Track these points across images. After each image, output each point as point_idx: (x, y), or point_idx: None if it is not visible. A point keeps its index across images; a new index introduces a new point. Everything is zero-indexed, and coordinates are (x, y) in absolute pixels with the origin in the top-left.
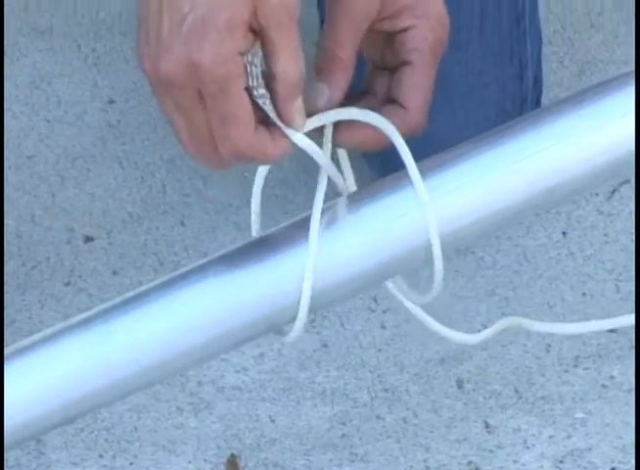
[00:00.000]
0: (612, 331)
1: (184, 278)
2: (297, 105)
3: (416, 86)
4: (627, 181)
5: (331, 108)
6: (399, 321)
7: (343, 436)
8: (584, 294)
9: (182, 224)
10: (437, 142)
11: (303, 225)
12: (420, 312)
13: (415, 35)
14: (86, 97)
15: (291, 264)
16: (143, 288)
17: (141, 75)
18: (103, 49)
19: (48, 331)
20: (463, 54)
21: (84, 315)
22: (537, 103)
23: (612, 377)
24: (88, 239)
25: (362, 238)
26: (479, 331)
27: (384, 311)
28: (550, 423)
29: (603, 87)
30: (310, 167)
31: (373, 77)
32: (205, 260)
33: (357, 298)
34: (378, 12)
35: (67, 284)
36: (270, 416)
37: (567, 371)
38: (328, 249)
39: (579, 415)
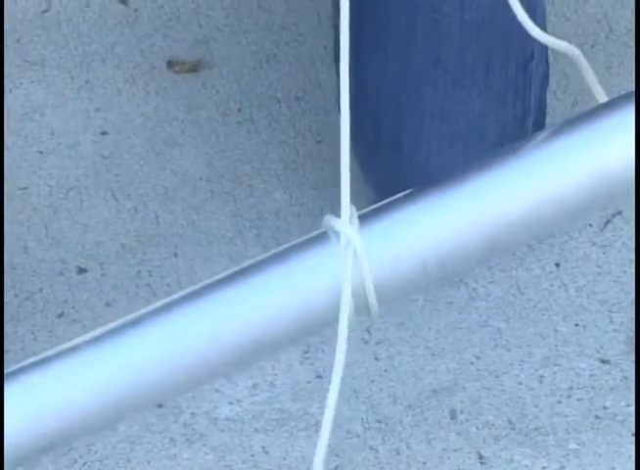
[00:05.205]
0: (604, 362)
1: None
2: None
3: None
4: (620, 212)
5: None
6: (393, 353)
7: (337, 467)
8: (577, 325)
9: (175, 255)
10: (434, 175)
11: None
12: None
13: None
14: (79, 128)
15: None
16: (139, 312)
17: (133, 106)
18: (95, 80)
19: (44, 354)
20: (467, 94)
21: (80, 339)
22: None
23: (605, 408)
24: (81, 270)
25: None
26: (471, 363)
27: (377, 343)
28: (543, 454)
29: (602, 110)
30: (304, 200)
31: None
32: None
33: (350, 330)
34: None
35: (60, 315)
36: (264, 447)
37: (560, 402)
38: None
39: (573, 446)
